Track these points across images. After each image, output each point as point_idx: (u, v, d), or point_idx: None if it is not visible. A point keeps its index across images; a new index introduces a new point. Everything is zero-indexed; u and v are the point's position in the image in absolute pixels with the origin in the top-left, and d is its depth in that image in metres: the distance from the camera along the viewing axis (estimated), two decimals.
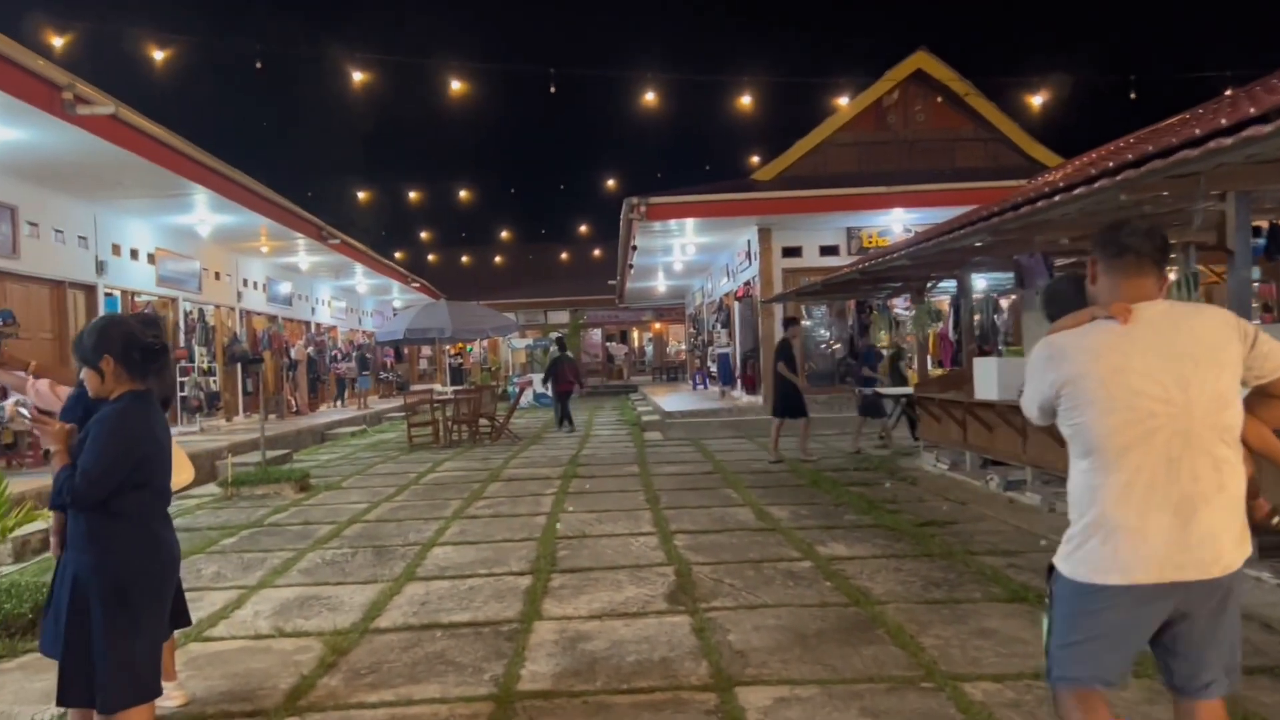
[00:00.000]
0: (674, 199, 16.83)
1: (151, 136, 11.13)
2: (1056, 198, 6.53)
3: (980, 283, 14.13)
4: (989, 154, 18.08)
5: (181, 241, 17.45)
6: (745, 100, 17.67)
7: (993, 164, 17.76)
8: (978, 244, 8.48)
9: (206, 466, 13.27)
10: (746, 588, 6.05)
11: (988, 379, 8.71)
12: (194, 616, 4.77)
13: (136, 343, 3.27)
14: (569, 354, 20.53)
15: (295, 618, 5.77)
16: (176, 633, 4.46)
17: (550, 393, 19.66)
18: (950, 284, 12.41)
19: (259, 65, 15.70)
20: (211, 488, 11.73)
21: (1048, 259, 8.78)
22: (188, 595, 4.34)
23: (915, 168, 17.52)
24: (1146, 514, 2.38)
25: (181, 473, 4.59)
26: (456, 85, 16.12)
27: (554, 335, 29.02)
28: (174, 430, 16.56)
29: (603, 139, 74.25)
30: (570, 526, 8.48)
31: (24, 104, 9.04)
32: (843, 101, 18.15)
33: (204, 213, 15.74)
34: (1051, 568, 2.61)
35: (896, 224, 17.62)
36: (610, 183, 27.11)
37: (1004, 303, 16.69)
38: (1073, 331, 2.54)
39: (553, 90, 15.28)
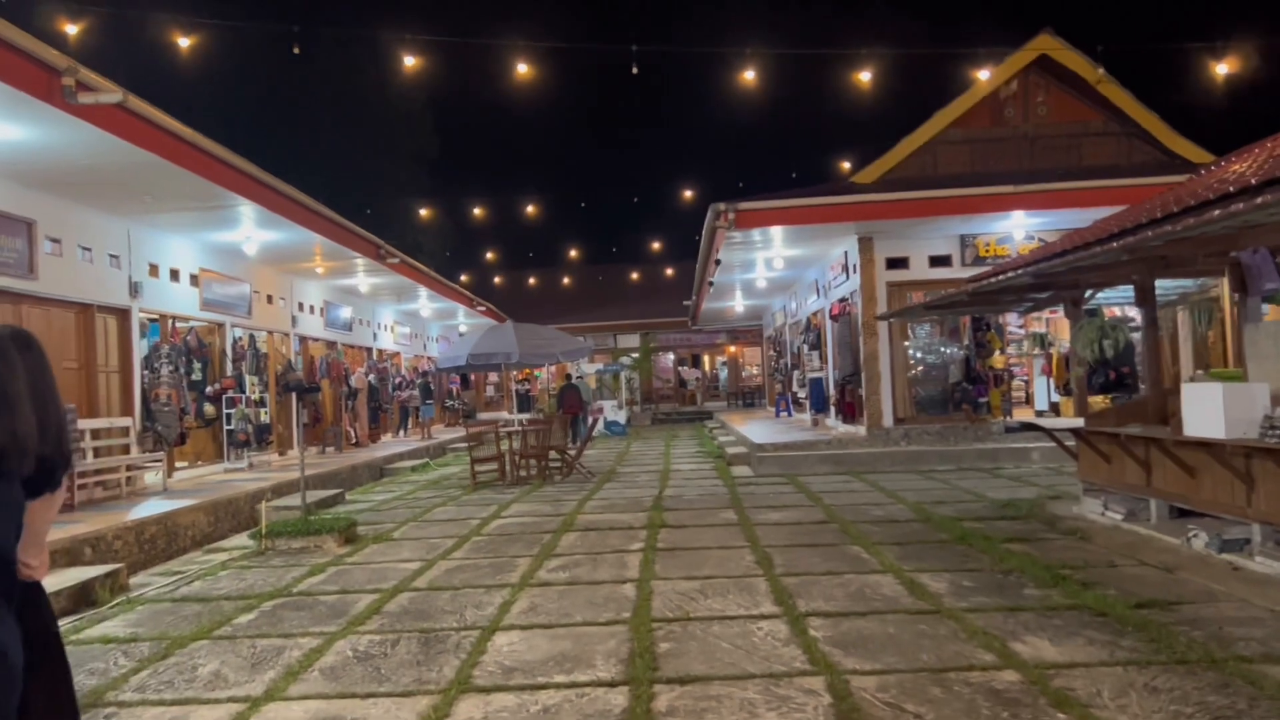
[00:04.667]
0: (766, 204, 15.01)
1: (173, 134, 9.73)
2: None
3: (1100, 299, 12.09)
4: (1122, 149, 15.93)
5: (229, 262, 16.18)
6: (838, 99, 15.86)
7: (1126, 160, 15.62)
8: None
9: (246, 511, 11.80)
10: None
11: (1207, 411, 6.71)
12: None
13: None
14: (575, 384, 21.84)
15: None
16: None
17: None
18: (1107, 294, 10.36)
19: (306, 84, 14.31)
20: (243, 539, 10.21)
21: (1277, 257, 6.78)
22: (169, 706, 2.68)
23: (1037, 167, 15.48)
24: None
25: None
26: (523, 69, 14.49)
27: (575, 368, 27.51)
28: (220, 466, 15.22)
29: (679, 148, 71.22)
30: (668, 602, 6.68)
31: (18, 92, 7.65)
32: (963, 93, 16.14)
33: (249, 228, 14.42)
34: None
35: (1017, 229, 15.56)
36: (687, 194, 25.32)
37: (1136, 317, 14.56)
38: None
39: (635, 71, 13.50)
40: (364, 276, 20.59)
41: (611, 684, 4.95)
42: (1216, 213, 4.69)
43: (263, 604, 7.24)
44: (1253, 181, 5.26)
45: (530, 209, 28.01)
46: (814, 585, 6.97)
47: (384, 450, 19.92)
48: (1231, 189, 5.39)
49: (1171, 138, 15.83)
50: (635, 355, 37.88)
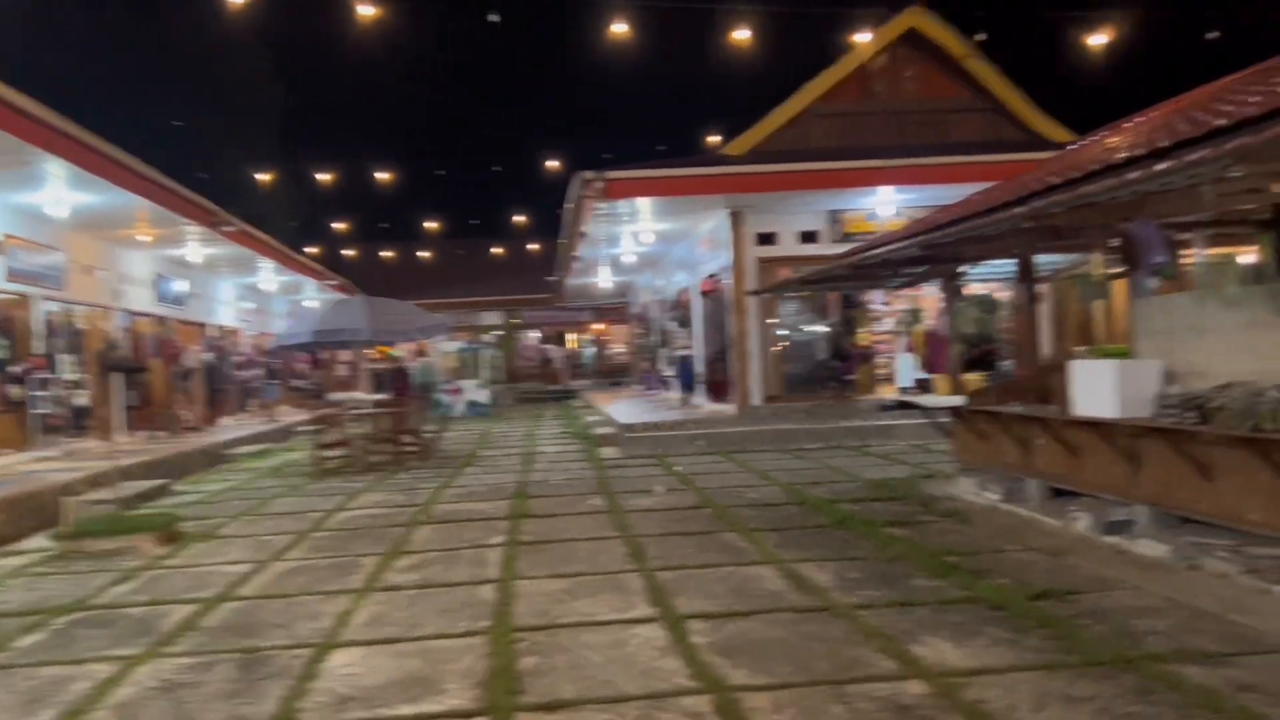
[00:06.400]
0: (635, 173, 14.36)
1: None
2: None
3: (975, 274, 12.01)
4: (987, 126, 15.98)
5: (39, 228, 14.42)
6: (709, 69, 15.34)
7: (991, 137, 15.68)
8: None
9: (52, 506, 10.40)
10: None
11: (1099, 389, 6.43)
12: None
13: None
14: (403, 367, 21.47)
15: None
16: None
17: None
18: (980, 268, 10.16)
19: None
20: (43, 540, 8.93)
21: (1165, 230, 6.55)
22: None
23: (905, 142, 15.34)
24: None
25: None
26: (368, 12, 13.27)
27: (397, 352, 26.49)
28: (28, 455, 13.56)
29: (543, 118, 68.69)
30: (533, 606, 5.97)
31: None
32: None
33: (60, 189, 12.81)
34: None
35: (885, 206, 15.41)
36: (552, 165, 24.33)
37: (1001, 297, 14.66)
38: None
39: (494, 19, 12.51)
40: (199, 246, 18.90)
41: (466, 716, 4.22)
42: (1135, 174, 4.31)
43: (56, 620, 6.15)
44: (1165, 144, 4.95)
45: (385, 178, 26.42)
46: (692, 580, 6.39)
47: (222, 435, 18.38)
48: (1141, 152, 5.06)
49: (1033, 116, 15.99)
50: (499, 333, 36.81)
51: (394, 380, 19.17)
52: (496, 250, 38.41)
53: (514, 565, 7.12)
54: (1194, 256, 7.96)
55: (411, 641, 5.37)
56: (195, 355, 20.46)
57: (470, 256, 39.08)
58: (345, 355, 31.80)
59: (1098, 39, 13.90)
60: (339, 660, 5.08)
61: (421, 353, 24.11)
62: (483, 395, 26.72)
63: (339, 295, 27.01)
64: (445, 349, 31.54)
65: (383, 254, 38.51)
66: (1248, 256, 7.34)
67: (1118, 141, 7.64)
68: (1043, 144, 15.20)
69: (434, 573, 7.05)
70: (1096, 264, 8.91)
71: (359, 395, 16.50)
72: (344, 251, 36.80)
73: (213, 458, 15.92)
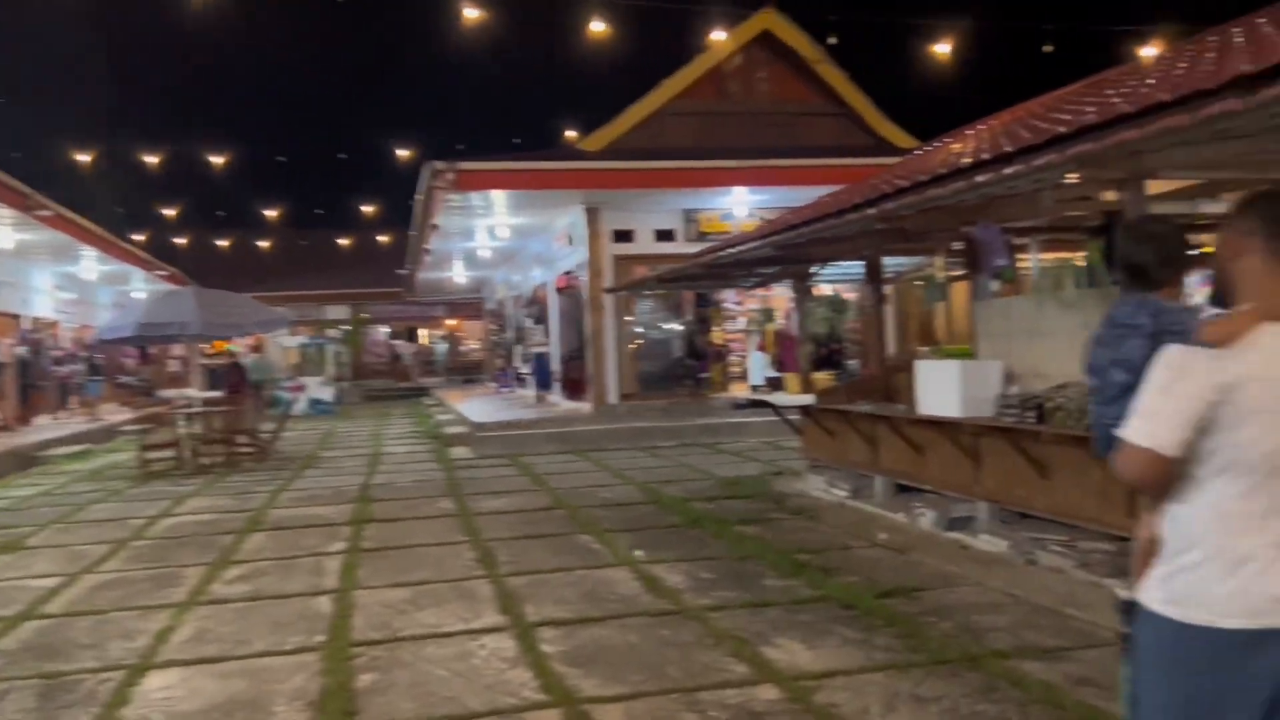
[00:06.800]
0: (489, 165, 13.98)
1: None
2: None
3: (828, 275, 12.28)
4: (836, 130, 16.35)
5: None
6: (566, 62, 15.13)
7: (840, 142, 16.05)
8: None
9: None
10: None
11: (943, 389, 6.57)
12: None
13: None
14: (238, 363, 20.57)
15: None
16: None
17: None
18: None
19: None
20: None
21: (1005, 234, 6.76)
22: None
23: (758, 143, 15.52)
24: None
25: None
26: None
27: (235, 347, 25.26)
28: None
29: (394, 102, 66.18)
30: (373, 618, 5.63)
31: None
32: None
33: None
34: (1130, 605, 2.20)
35: (740, 206, 15.57)
36: (402, 154, 23.54)
37: (850, 297, 15.06)
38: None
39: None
40: (10, 232, 17.37)
41: None
42: (985, 177, 4.38)
43: None
44: (1010, 149, 5.07)
45: (220, 161, 24.94)
46: (543, 586, 6.18)
47: (36, 435, 16.96)
48: (987, 157, 5.18)
49: (880, 122, 16.48)
50: (345, 328, 35.52)
51: (227, 376, 18.12)
52: (343, 241, 36.93)
53: (354, 574, 6.74)
54: (1030, 261, 8.30)
55: (237, 660, 4.97)
56: (6, 349, 18.80)
57: (314, 247, 37.46)
58: (178, 350, 30.03)
59: (941, 48, 14.40)
60: (155, 683, 4.64)
61: (256, 348, 22.87)
62: (327, 393, 25.70)
63: (170, 286, 25.40)
64: (287, 344, 30.18)
65: (218, 243, 36.44)
66: (1080, 261, 7.68)
67: (961, 147, 7.88)
68: (889, 149, 15.68)
69: (266, 584, 6.59)
70: (938, 266, 9.20)
71: (191, 392, 15.48)
72: (175, 240, 34.60)
73: (24, 460, 14.63)
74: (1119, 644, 2.27)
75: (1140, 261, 3.33)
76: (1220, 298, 2.24)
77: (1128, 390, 2.79)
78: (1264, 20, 5.86)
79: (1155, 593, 2.13)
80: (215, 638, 5.38)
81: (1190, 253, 3.44)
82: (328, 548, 7.70)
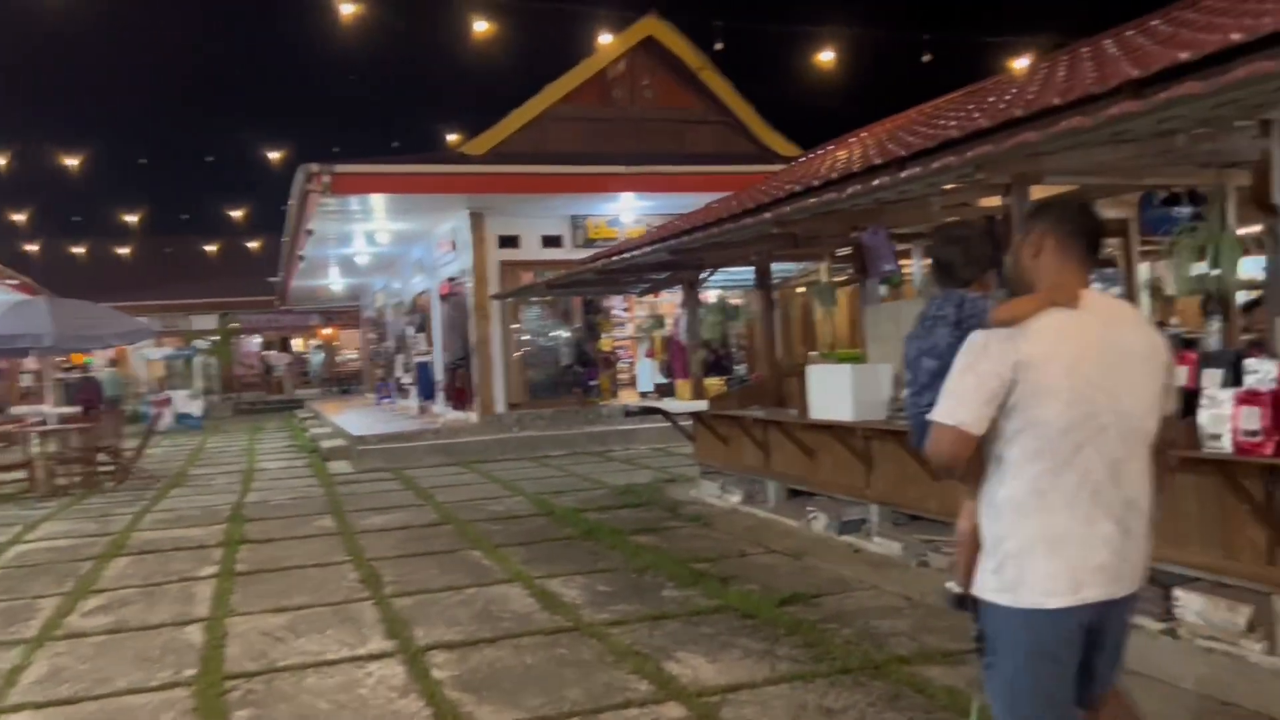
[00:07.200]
0: (367, 168, 13.48)
1: None
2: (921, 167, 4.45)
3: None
4: (721, 138, 16.42)
5: None
6: (447, 64, 14.77)
7: (725, 149, 16.14)
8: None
9: None
10: None
11: (835, 393, 6.58)
12: None
13: None
14: (92, 377, 19.84)
15: None
16: None
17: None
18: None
19: None
20: None
21: (892, 239, 6.83)
22: None
23: (643, 149, 15.45)
24: (1094, 522, 2.20)
25: None
26: None
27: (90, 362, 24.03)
28: None
29: (265, 100, 63.21)
30: (248, 647, 5.26)
31: None
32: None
33: None
34: (971, 601, 2.36)
35: (627, 212, 15.49)
36: (274, 156, 22.56)
37: (737, 303, 15.15)
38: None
39: None
40: None
41: None
42: (881, 180, 4.37)
43: None
44: (902, 154, 5.09)
45: (74, 163, 23.42)
46: (432, 606, 5.91)
47: None
48: (879, 161, 5.19)
49: (764, 130, 16.63)
50: (214, 339, 33.96)
51: (81, 391, 17.03)
52: (211, 248, 35.29)
53: (227, 600, 6.32)
54: (913, 265, 8.45)
55: (96, 700, 4.57)
56: None
57: (180, 254, 35.71)
58: (30, 364, 28.13)
59: (825, 55, 14.59)
60: None
61: (116, 361, 21.59)
62: (195, 407, 24.50)
63: (21, 296, 23.76)
64: (151, 356, 28.62)
65: (74, 250, 34.32)
66: None
67: (848, 154, 7.95)
68: (773, 157, 15.85)
69: (130, 614, 6.11)
70: (823, 272, 9.30)
71: (45, 409, 14.46)
72: (26, 246, 32.41)
73: None
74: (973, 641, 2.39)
75: (948, 260, 3.54)
76: (1015, 293, 2.45)
77: (937, 377, 2.93)
78: (1133, 32, 6.08)
79: (990, 583, 2.28)
80: (72, 675, 4.93)
81: (994, 253, 3.66)
82: (198, 572, 7.22)
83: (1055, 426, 2.17)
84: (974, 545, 2.40)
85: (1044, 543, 2.19)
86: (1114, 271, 11.74)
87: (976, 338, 2.29)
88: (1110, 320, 2.30)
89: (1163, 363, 2.34)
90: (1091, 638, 2.27)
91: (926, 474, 6.25)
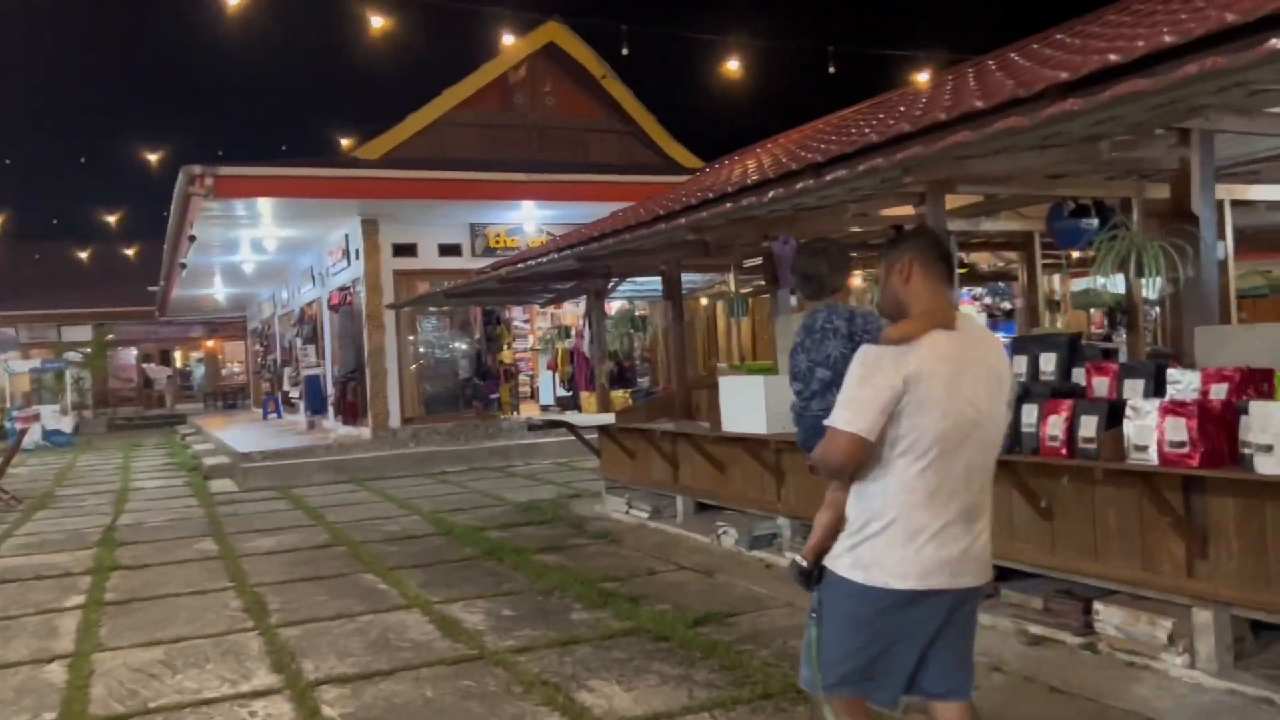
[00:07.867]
0: (253, 171, 12.81)
1: None
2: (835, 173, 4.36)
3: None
4: (624, 148, 16.23)
5: None
6: (340, 65, 14.20)
7: (628, 159, 15.97)
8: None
9: None
10: None
11: (748, 405, 6.43)
12: None
13: None
14: None
15: None
16: None
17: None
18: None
19: None
20: None
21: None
22: None
23: (545, 157, 15.16)
24: (946, 519, 2.46)
25: None
26: None
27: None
28: None
29: (144, 99, 60.02)
30: (117, 686, 4.78)
31: None
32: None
33: None
34: (818, 572, 2.69)
35: (528, 221, 15.17)
36: (153, 157, 21.44)
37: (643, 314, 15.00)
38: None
39: None
40: None
41: None
42: (804, 184, 4.22)
43: None
44: (818, 159, 4.98)
45: None
46: (323, 636, 5.50)
47: None
48: (795, 167, 5.07)
49: (667, 141, 16.55)
50: (87, 350, 32.09)
51: None
52: (84, 254, 33.43)
53: (94, 633, 5.78)
54: None
55: None
56: None
57: (49, 261, 33.73)
58: None
59: (731, 64, 14.53)
60: None
61: None
62: (65, 423, 23.09)
63: None
64: (16, 369, 26.83)
65: None
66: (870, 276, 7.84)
67: (756, 163, 7.86)
68: (676, 167, 15.80)
69: None
70: (731, 282, 9.19)
71: None
72: None
73: None
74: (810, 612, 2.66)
75: (816, 273, 3.77)
76: (886, 313, 2.69)
77: (830, 386, 3.30)
78: (1038, 45, 6.14)
79: (843, 559, 2.56)
80: None
81: (850, 266, 3.96)
82: (62, 603, 6.62)
83: (931, 433, 2.44)
84: (831, 534, 2.73)
85: (903, 532, 2.46)
86: (1006, 286, 12.05)
87: (870, 351, 2.52)
88: (977, 342, 2.59)
89: (1010, 384, 2.68)
90: (932, 625, 2.52)
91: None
